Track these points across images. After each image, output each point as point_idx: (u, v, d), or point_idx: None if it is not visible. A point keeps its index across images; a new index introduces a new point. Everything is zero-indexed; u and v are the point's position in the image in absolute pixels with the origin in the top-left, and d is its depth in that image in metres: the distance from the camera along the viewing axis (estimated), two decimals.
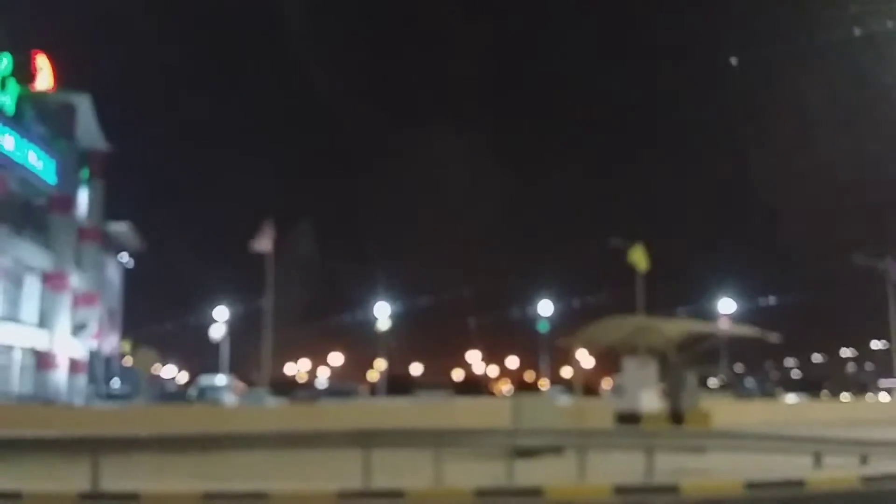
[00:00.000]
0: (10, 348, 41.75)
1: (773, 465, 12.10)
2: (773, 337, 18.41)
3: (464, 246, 64.09)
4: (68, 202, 46.60)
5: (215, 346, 49.24)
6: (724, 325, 30.91)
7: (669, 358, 17.40)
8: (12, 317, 42.31)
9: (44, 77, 46.56)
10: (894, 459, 12.67)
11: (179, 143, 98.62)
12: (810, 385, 41.86)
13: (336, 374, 62.04)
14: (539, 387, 48.40)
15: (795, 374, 64.66)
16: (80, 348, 47.26)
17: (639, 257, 31.98)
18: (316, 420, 19.21)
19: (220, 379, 41.83)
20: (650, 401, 16.31)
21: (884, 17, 17.62)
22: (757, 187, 66.35)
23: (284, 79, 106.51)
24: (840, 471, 12.02)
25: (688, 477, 11.37)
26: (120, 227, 56.59)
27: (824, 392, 40.15)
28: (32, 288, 44.81)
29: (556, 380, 48.19)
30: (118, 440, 11.01)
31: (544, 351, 51.28)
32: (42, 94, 45.99)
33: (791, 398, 37.84)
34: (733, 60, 26.85)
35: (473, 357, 63.70)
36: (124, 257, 61.80)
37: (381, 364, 48.56)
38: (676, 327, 17.51)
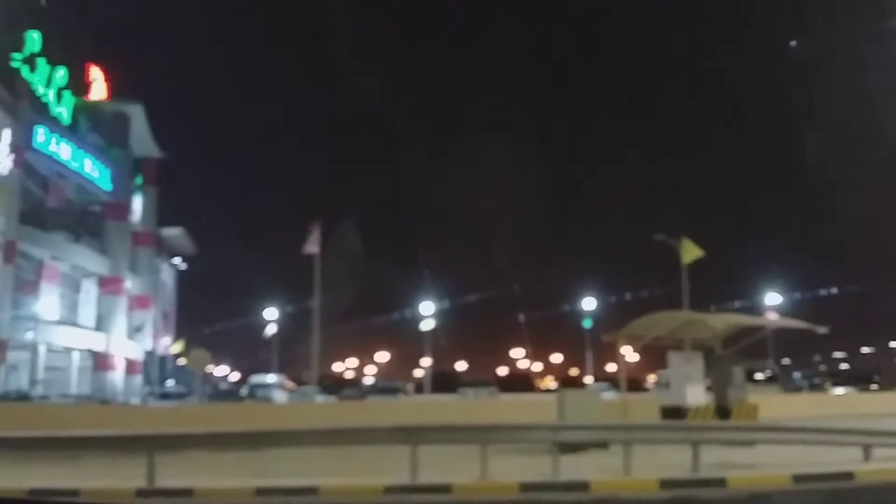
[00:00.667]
0: (69, 350, 43.30)
1: (822, 458, 11.89)
2: (821, 329, 18.06)
3: (508, 244, 63.84)
4: (123, 209, 48.02)
5: (266, 346, 50.30)
6: (771, 318, 30.33)
7: (716, 352, 17.25)
8: (71, 320, 43.86)
9: (98, 88, 48.10)
10: None
11: (229, 148, 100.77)
12: (859, 378, 40.58)
13: (382, 371, 62.60)
14: (583, 382, 48.15)
15: (844, 366, 62.82)
16: (135, 350, 48.67)
17: (691, 249, 31.65)
18: (363, 417, 19.50)
19: (271, 377, 42.66)
20: (696, 395, 16.13)
21: None
22: (808, 175, 65.03)
23: (332, 81, 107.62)
24: (890, 463, 11.75)
25: (735, 471, 11.24)
26: (173, 232, 58.03)
27: (874, 385, 38.90)
28: (90, 292, 46.38)
29: (601, 376, 47.81)
30: (173, 437, 11.23)
31: (588, 347, 51.21)
32: (96, 105, 47.52)
33: (839, 391, 36.90)
34: (793, 43, 26.27)
35: (518, 354, 63.58)
36: (177, 261, 63.40)
37: (426, 361, 49.01)
38: (723, 321, 17.27)
